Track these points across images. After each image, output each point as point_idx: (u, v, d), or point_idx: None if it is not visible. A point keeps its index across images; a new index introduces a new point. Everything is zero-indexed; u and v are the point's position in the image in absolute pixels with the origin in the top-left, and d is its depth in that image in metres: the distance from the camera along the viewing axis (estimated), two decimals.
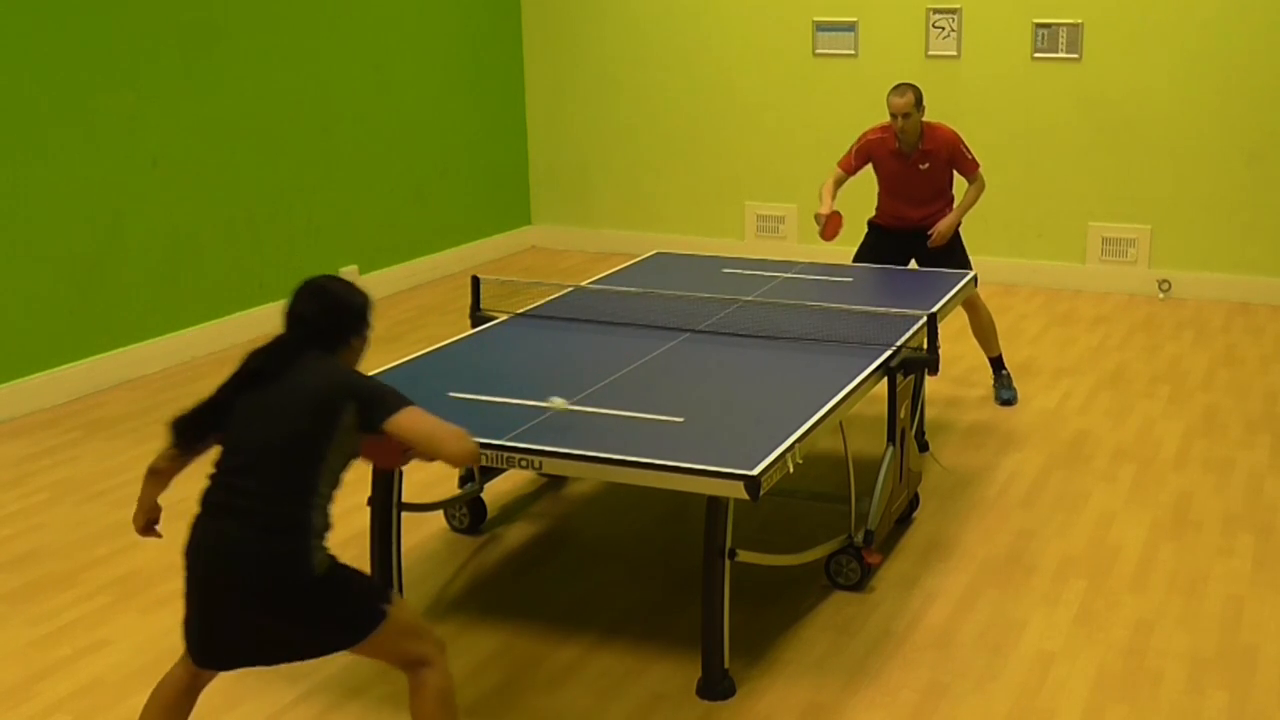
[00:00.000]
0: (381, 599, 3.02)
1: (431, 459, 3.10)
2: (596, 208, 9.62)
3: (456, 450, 3.04)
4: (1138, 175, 8.14)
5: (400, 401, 3.02)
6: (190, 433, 3.04)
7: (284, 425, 2.93)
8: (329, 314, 3.11)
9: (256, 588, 2.87)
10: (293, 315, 3.10)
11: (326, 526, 2.99)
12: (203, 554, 2.94)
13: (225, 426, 3.00)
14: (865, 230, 6.27)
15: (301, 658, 3.03)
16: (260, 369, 3.01)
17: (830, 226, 5.91)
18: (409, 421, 3.00)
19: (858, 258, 6.19)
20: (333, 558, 2.99)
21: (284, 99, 7.54)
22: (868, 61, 8.55)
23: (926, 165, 6.02)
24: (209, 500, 2.97)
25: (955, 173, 6.11)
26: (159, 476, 3.14)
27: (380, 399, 3.01)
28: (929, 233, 6.03)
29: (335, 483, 3.01)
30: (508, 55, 9.48)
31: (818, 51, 8.73)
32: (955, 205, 6.12)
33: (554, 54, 9.48)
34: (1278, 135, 7.80)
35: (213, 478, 2.99)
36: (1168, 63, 7.94)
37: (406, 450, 3.12)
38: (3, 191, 6.06)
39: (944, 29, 8.37)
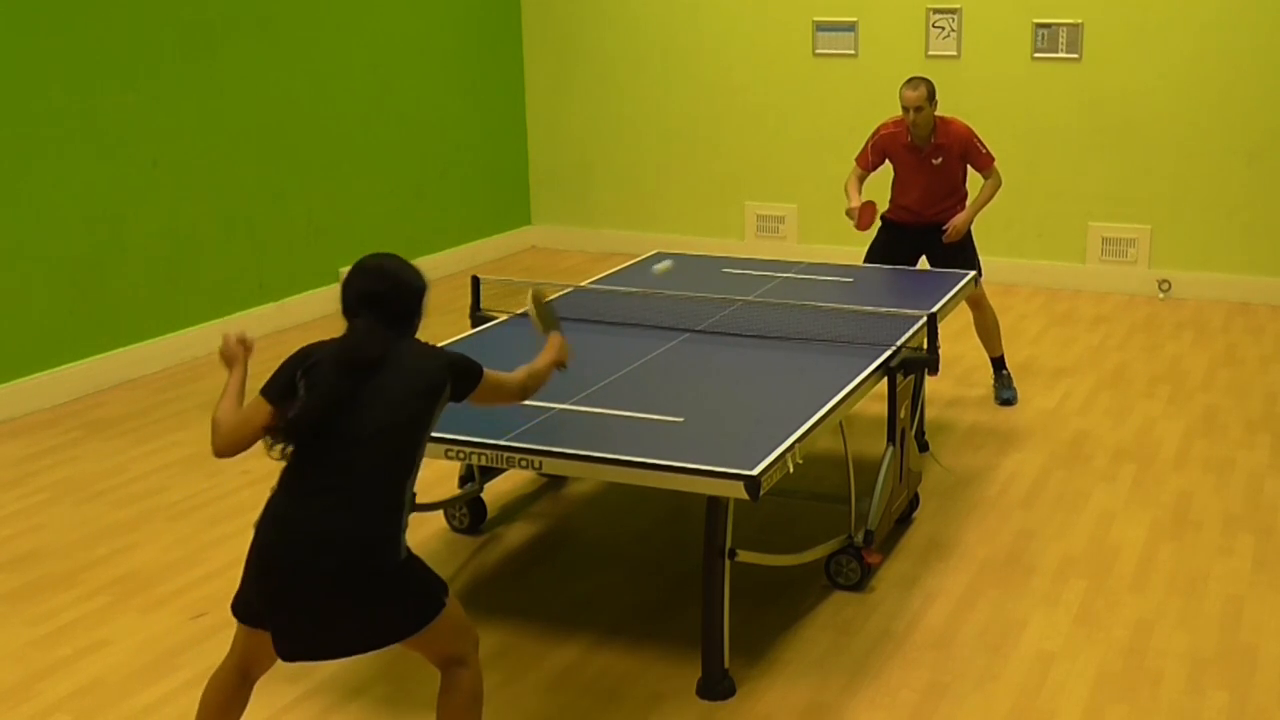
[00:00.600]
0: (443, 590, 3.04)
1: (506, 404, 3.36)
2: (596, 208, 9.62)
3: (532, 386, 3.37)
4: (1138, 175, 8.14)
5: (479, 368, 3.17)
6: (309, 433, 2.92)
7: (400, 410, 2.94)
8: (404, 293, 3.10)
9: (345, 571, 2.84)
10: (367, 295, 3.07)
11: (414, 507, 3.06)
12: (289, 536, 2.87)
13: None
14: (878, 226, 6.26)
15: (365, 648, 2.98)
16: (374, 357, 2.97)
17: (865, 217, 5.93)
18: (490, 386, 3.20)
19: (869, 256, 6.18)
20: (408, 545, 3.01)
21: (284, 99, 7.55)
22: (868, 61, 8.55)
23: (939, 160, 6.01)
24: (296, 485, 2.91)
25: (970, 168, 6.11)
26: (233, 449, 3.01)
27: (471, 371, 3.14)
28: (944, 228, 6.02)
29: (422, 458, 3.06)
30: (508, 55, 9.48)
31: (818, 51, 8.73)
32: (970, 201, 6.11)
33: (554, 54, 9.48)
34: (1278, 135, 7.80)
35: (300, 462, 2.92)
36: (1168, 63, 7.94)
37: None
38: (3, 192, 6.06)
39: (944, 29, 8.37)
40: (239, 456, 3.04)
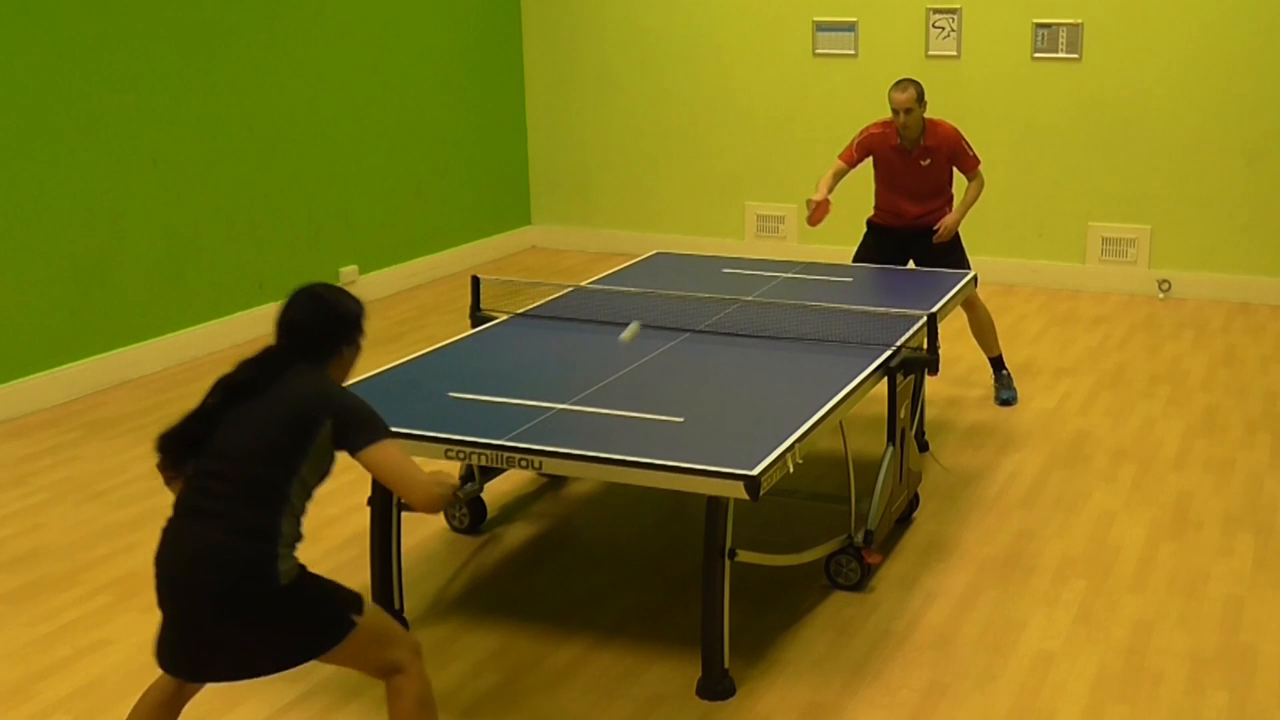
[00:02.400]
0: (351, 608, 2.98)
1: (397, 491, 3.05)
2: (596, 208, 9.62)
3: (425, 497, 2.96)
4: (1138, 175, 8.14)
5: (381, 431, 2.97)
6: (178, 448, 2.99)
7: (263, 434, 2.91)
8: (323, 322, 3.09)
9: (222, 591, 2.84)
10: (286, 322, 3.08)
11: (297, 537, 2.96)
12: (172, 556, 2.92)
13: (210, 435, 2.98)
14: (864, 230, 6.27)
15: (268, 670, 2.96)
16: (249, 379, 2.99)
17: (817, 213, 5.89)
18: (385, 456, 2.95)
19: (857, 258, 6.19)
20: (302, 568, 2.96)
21: (284, 99, 7.54)
22: (868, 61, 8.55)
23: (928, 161, 6.02)
24: (182, 504, 2.96)
25: (955, 170, 6.12)
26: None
27: (361, 423, 2.97)
28: (934, 228, 6.02)
29: (308, 495, 2.98)
30: (508, 55, 9.48)
31: (818, 51, 8.73)
32: (957, 203, 6.11)
33: (554, 54, 9.48)
34: (1277, 135, 7.80)
35: (188, 481, 2.97)
36: (1168, 63, 7.94)
37: None
38: (3, 191, 6.06)
39: (944, 29, 8.37)
40: None
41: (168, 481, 3.06)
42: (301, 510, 2.97)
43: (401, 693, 3.04)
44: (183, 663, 2.97)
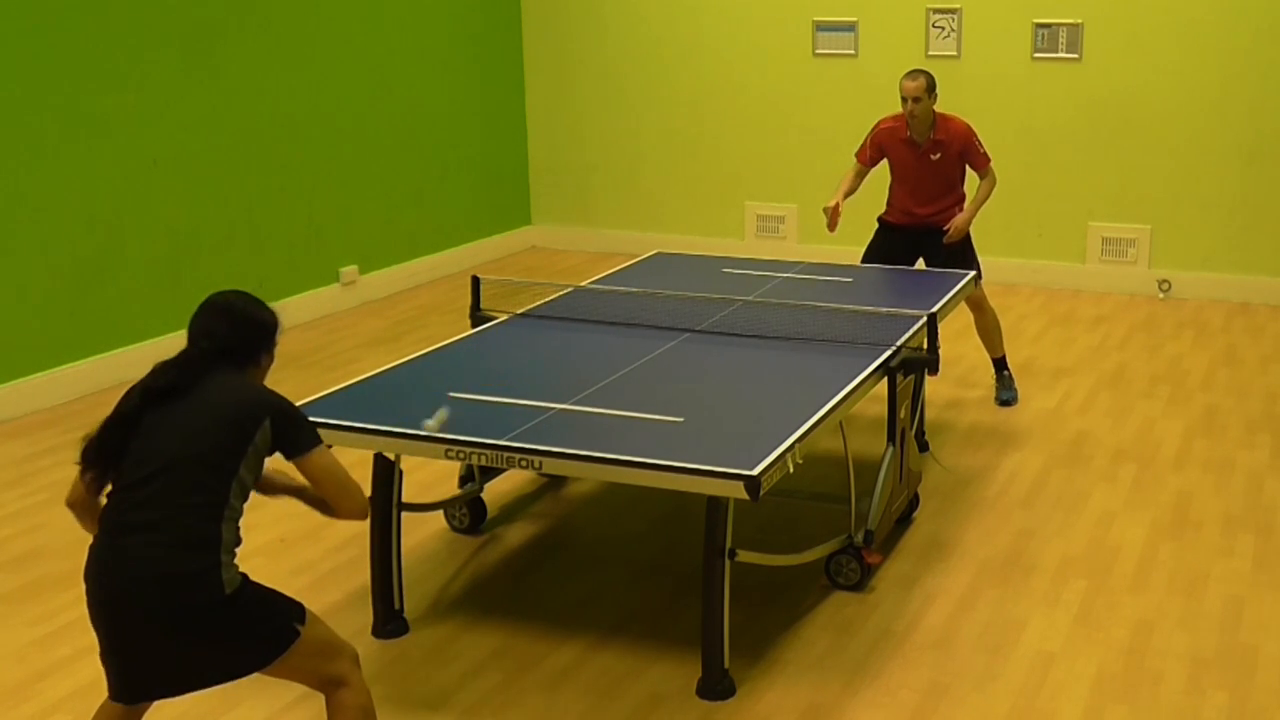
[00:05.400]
0: (294, 617, 2.94)
1: (323, 506, 3.05)
2: (596, 208, 9.62)
3: (362, 506, 3.02)
4: (1138, 175, 8.14)
5: (317, 438, 2.97)
6: (102, 456, 2.92)
7: (195, 440, 2.84)
8: (239, 331, 3.04)
9: (164, 609, 2.77)
10: (200, 332, 3.02)
11: (237, 541, 2.90)
12: (108, 577, 2.83)
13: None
14: (873, 229, 6.26)
15: (213, 682, 2.93)
16: (170, 385, 2.91)
17: (833, 219, 5.94)
18: (327, 461, 2.96)
19: (866, 257, 6.18)
20: (243, 576, 2.90)
21: (284, 99, 7.55)
22: (868, 61, 8.55)
23: (938, 156, 6.00)
24: (108, 520, 2.86)
25: (967, 168, 6.11)
26: (84, 509, 2.98)
27: (300, 428, 2.96)
28: (945, 228, 6.01)
29: (245, 496, 2.93)
30: (508, 55, 9.48)
31: (818, 51, 8.73)
32: (968, 202, 6.11)
33: (554, 54, 9.48)
34: (1277, 135, 7.80)
35: (112, 496, 2.89)
36: (1168, 63, 7.94)
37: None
38: (3, 191, 6.06)
39: (944, 29, 8.37)
40: None
41: (92, 496, 2.96)
42: (239, 514, 2.90)
43: (344, 707, 3.00)
44: (125, 684, 2.90)
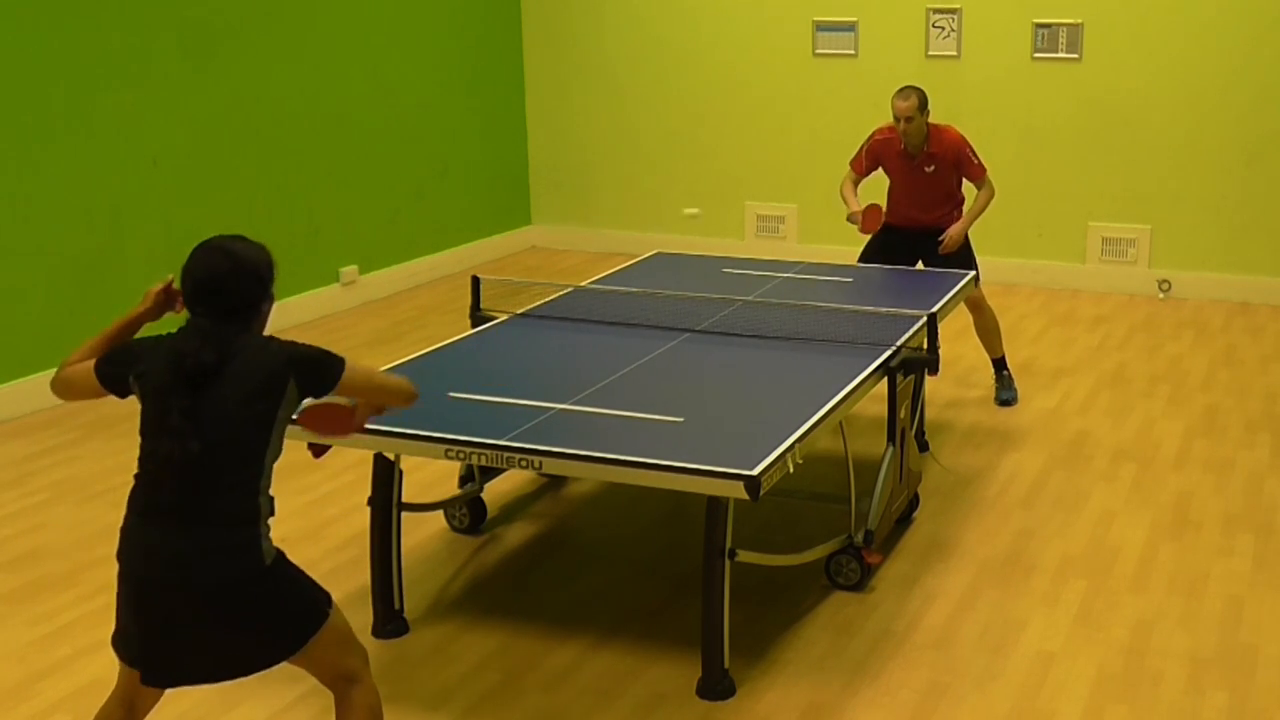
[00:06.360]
0: (324, 600, 2.94)
1: (379, 410, 3.12)
2: (596, 208, 9.62)
3: (407, 394, 3.08)
4: (1138, 175, 8.14)
5: (339, 362, 2.94)
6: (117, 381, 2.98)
7: (235, 419, 2.79)
8: (239, 284, 2.94)
9: (213, 584, 2.76)
10: (203, 289, 2.95)
11: (271, 511, 2.88)
12: (147, 558, 2.80)
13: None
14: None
15: (243, 669, 2.90)
16: (204, 367, 2.82)
17: (870, 219, 5.97)
18: (358, 375, 2.99)
19: (864, 256, 6.18)
20: (278, 549, 2.89)
21: (284, 99, 7.54)
22: (868, 61, 8.55)
23: (932, 168, 6.01)
24: (141, 501, 2.83)
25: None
26: (80, 390, 3.09)
27: (321, 363, 2.92)
28: (940, 238, 6.01)
29: (277, 456, 2.90)
30: (508, 55, 9.48)
31: (818, 51, 8.73)
32: (965, 211, 6.10)
33: (554, 54, 9.48)
34: (1277, 135, 7.80)
35: (142, 477, 2.85)
36: (1168, 63, 7.94)
37: (352, 416, 3.13)
38: (3, 191, 6.06)
39: (944, 29, 8.37)
40: None
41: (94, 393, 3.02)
42: (271, 478, 2.89)
43: (355, 706, 2.97)
44: (157, 667, 2.87)
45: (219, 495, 2.79)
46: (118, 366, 2.99)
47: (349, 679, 2.98)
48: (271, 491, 2.89)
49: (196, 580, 2.77)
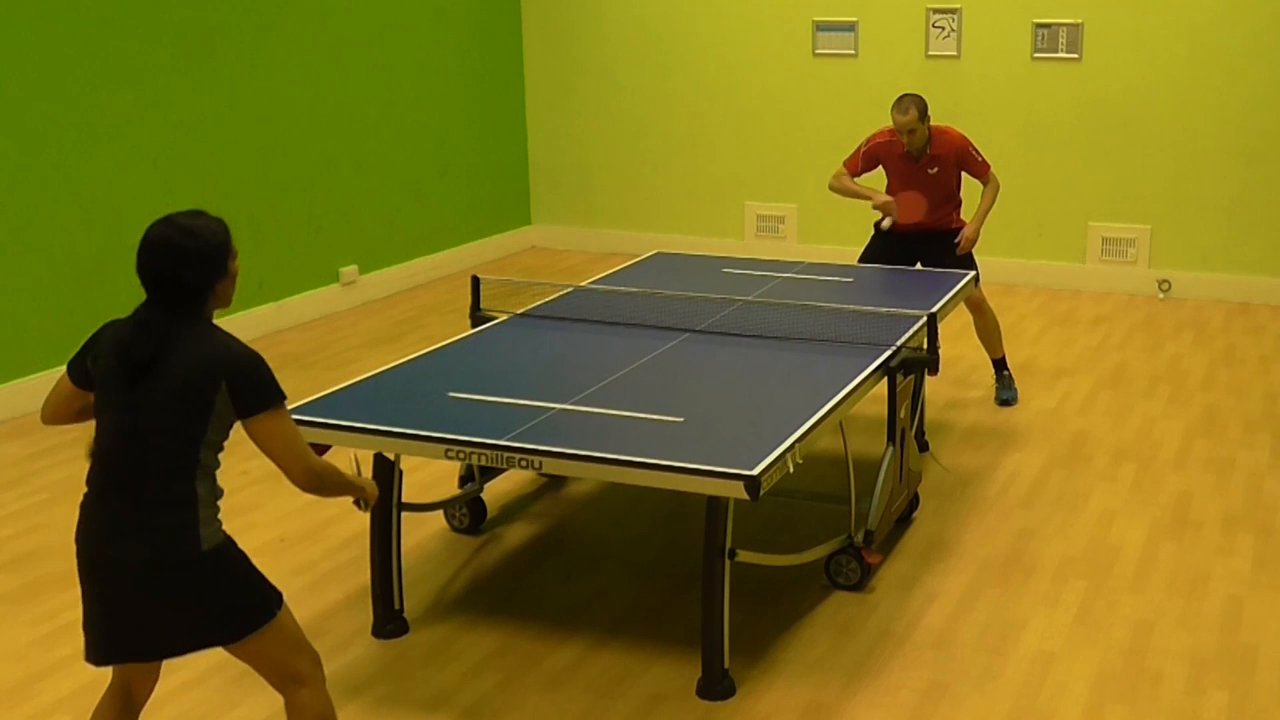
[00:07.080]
0: (273, 600, 2.94)
1: (280, 465, 2.90)
2: (596, 208, 9.62)
3: (305, 473, 2.88)
4: (1138, 175, 8.14)
5: (275, 397, 2.85)
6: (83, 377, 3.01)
7: (163, 411, 2.82)
8: (186, 269, 2.95)
9: (143, 562, 2.80)
10: (151, 276, 2.95)
11: (215, 495, 2.90)
12: (90, 533, 2.87)
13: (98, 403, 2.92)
14: (870, 231, 6.25)
15: (187, 647, 2.91)
16: (138, 360, 2.84)
17: (907, 207, 5.94)
18: (283, 425, 2.86)
19: (864, 258, 6.17)
20: (227, 537, 2.90)
21: (284, 99, 7.54)
22: (868, 61, 8.55)
23: (935, 169, 6.01)
24: (93, 480, 2.90)
25: (966, 175, 6.11)
26: (65, 415, 3.09)
27: (252, 388, 2.84)
28: (955, 240, 6.00)
29: (219, 448, 2.91)
30: (508, 55, 9.48)
31: (818, 51, 8.73)
32: (976, 211, 6.09)
33: (554, 54, 9.48)
34: (1277, 135, 7.80)
35: (96, 457, 2.91)
36: (1168, 63, 7.94)
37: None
38: (3, 191, 6.06)
39: (944, 29, 8.37)
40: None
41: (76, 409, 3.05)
42: (215, 467, 2.91)
43: (304, 708, 2.98)
44: (104, 642, 2.91)
45: (156, 478, 2.83)
46: (81, 356, 3.06)
47: (297, 681, 2.98)
48: (219, 478, 2.91)
49: (131, 558, 2.82)
